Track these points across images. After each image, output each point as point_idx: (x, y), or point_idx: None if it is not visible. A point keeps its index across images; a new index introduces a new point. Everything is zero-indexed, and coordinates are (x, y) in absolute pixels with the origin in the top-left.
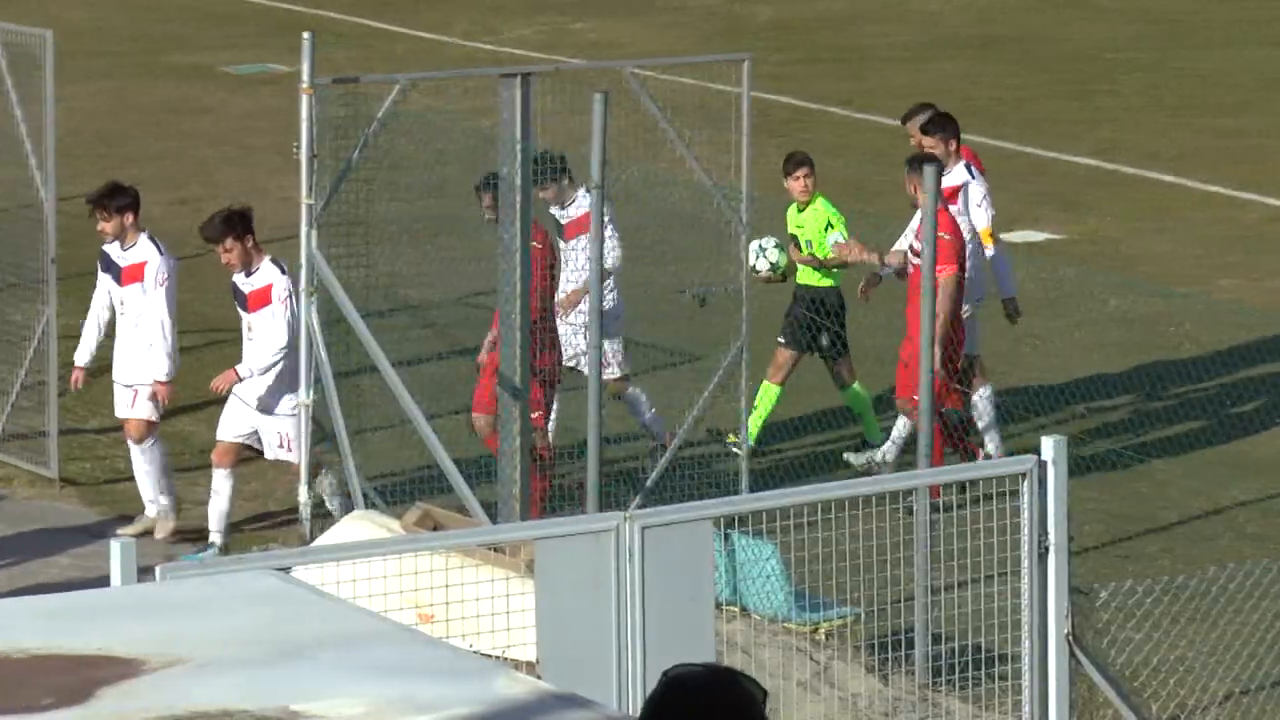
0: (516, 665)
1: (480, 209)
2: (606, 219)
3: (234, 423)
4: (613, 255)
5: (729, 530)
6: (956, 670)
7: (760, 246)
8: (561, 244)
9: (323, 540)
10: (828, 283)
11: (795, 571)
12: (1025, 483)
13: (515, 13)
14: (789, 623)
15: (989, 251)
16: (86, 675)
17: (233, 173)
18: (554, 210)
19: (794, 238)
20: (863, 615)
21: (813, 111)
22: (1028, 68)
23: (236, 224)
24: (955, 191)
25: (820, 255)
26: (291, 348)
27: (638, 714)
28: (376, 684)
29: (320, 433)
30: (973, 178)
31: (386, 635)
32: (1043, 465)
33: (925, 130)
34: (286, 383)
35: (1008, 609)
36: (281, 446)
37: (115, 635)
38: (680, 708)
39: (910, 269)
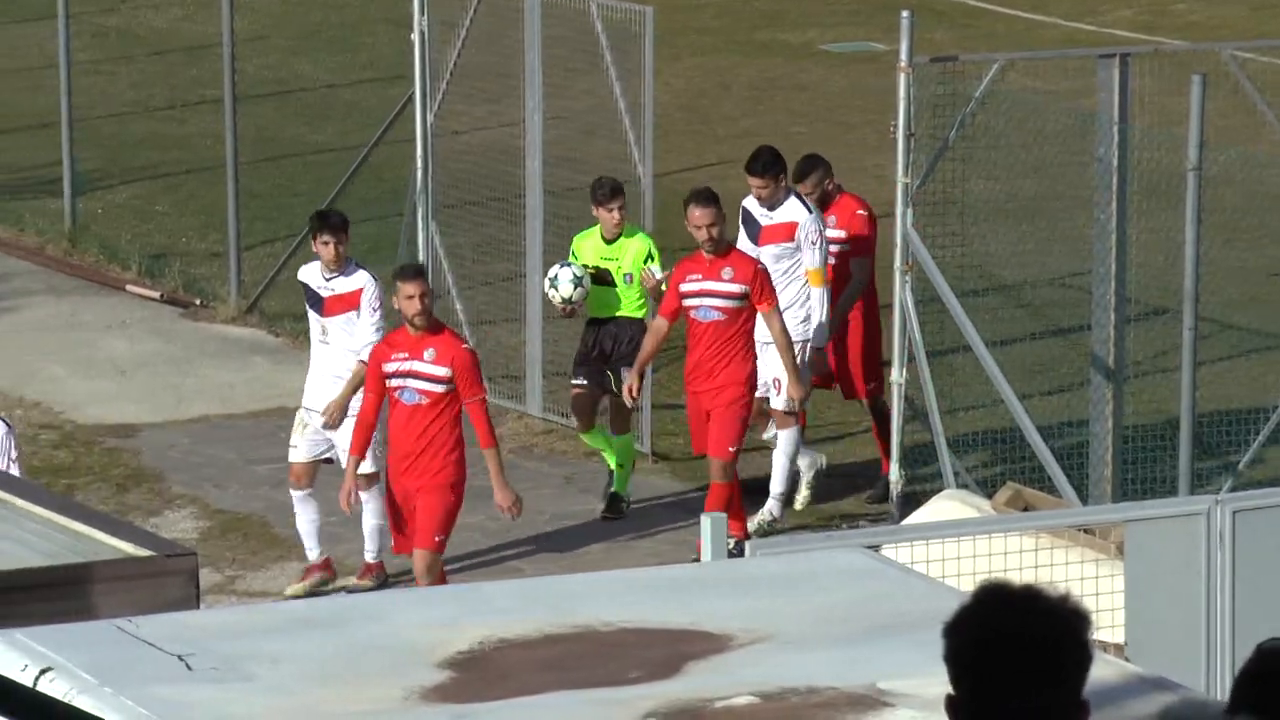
0: (1104, 647)
1: (1077, 189)
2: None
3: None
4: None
5: None
6: None
7: (553, 277)
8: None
9: (913, 519)
10: (638, 314)
11: None
12: None
13: None
14: None
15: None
16: (675, 649)
17: (828, 150)
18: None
19: (599, 270)
20: None
21: None
22: None
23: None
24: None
25: (650, 269)
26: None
27: (1225, 699)
28: None
29: (911, 411)
30: (810, 213)
31: None
32: None
33: (751, 170)
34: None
35: None
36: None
37: (704, 610)
38: (1278, 678)
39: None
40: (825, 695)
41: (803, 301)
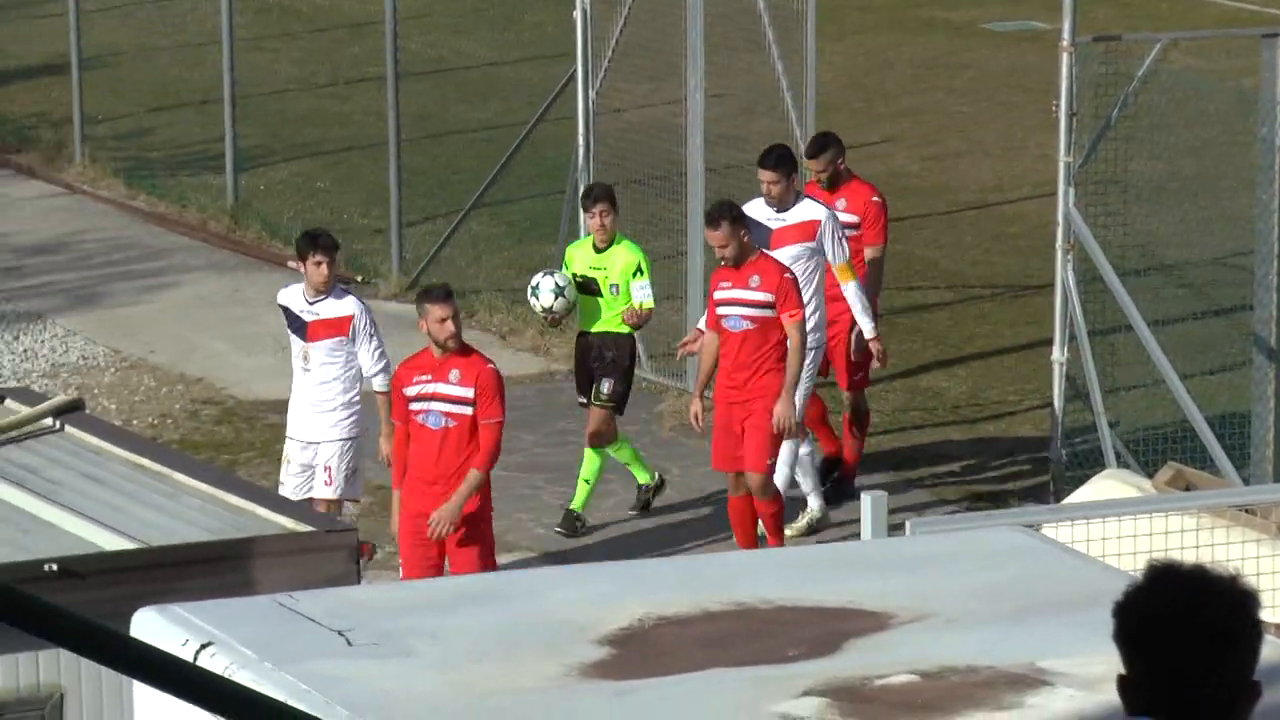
0: (1266, 629)
1: (1240, 169)
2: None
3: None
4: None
5: None
6: None
7: (534, 286)
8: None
9: (1073, 499)
10: (625, 330)
11: None
12: None
13: None
14: None
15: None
16: (834, 627)
17: (990, 129)
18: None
19: (587, 279)
20: None
21: None
22: None
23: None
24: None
25: (631, 307)
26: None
27: None
28: None
29: (1072, 390)
30: (827, 210)
31: None
32: None
33: (763, 164)
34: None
35: None
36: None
37: (863, 588)
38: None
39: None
40: (984, 674)
41: (816, 305)
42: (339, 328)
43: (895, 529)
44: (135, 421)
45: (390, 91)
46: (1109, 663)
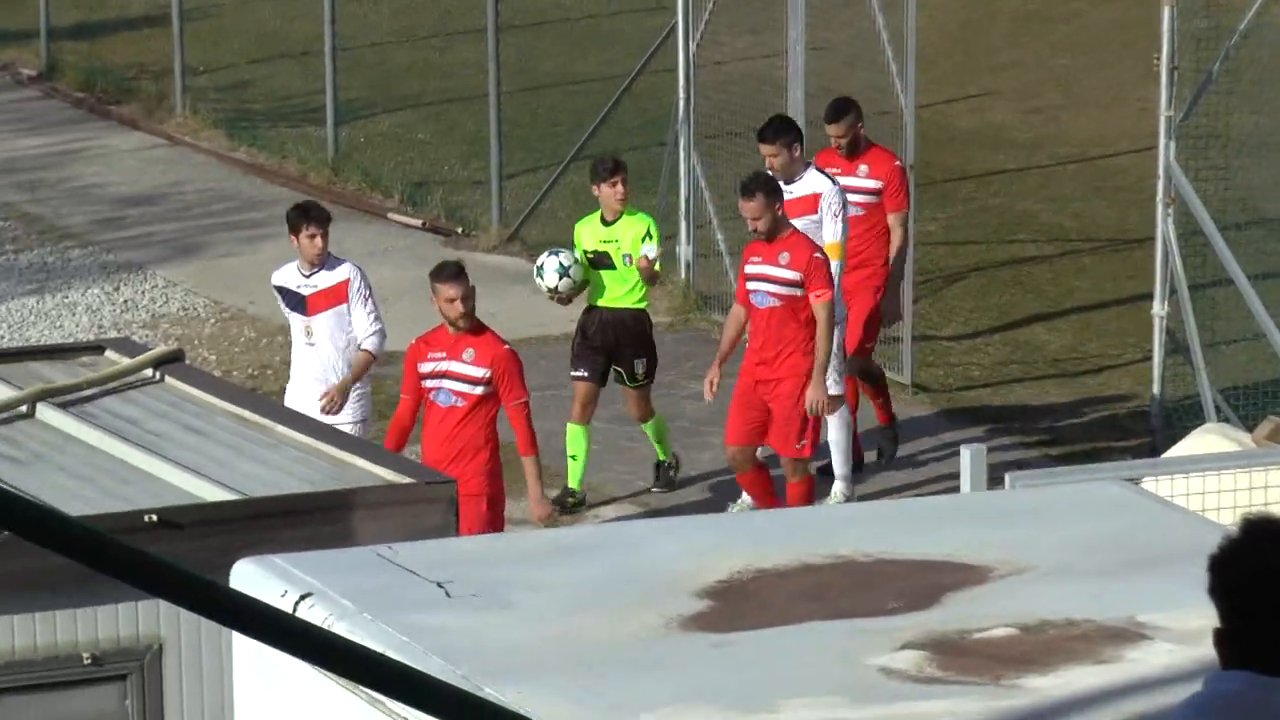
0: None
1: None
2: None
3: None
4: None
5: None
6: None
7: (539, 266)
8: None
9: (1172, 453)
10: (639, 305)
11: None
12: None
13: None
14: None
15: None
16: (933, 580)
17: (1091, 83)
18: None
19: (599, 254)
20: None
21: None
22: None
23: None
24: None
25: (644, 255)
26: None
27: None
28: None
29: (1172, 344)
30: (833, 184)
31: None
32: None
33: (762, 138)
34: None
35: None
36: None
37: (963, 541)
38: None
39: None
40: (1083, 627)
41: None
42: (338, 295)
43: (994, 482)
44: (235, 373)
45: (491, 43)
46: (1208, 617)
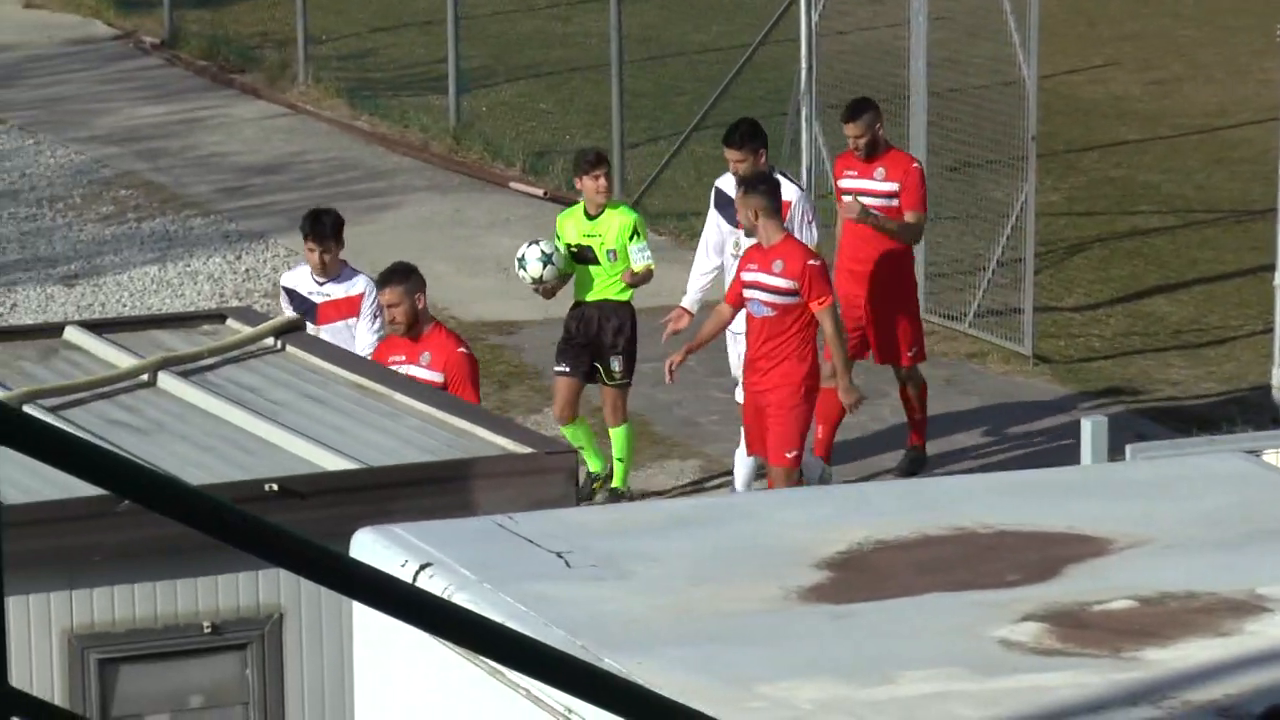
0: None
1: None
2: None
3: None
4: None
5: None
6: None
7: (520, 258)
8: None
9: None
10: (624, 297)
11: None
12: None
13: None
14: None
15: None
16: (1053, 553)
17: (1213, 53)
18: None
19: (582, 248)
20: None
21: None
22: None
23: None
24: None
25: (629, 268)
26: None
27: None
28: None
29: None
30: (801, 190)
31: None
32: None
33: (728, 142)
34: None
35: None
36: None
37: (1083, 513)
38: None
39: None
40: (1204, 600)
41: None
42: (351, 308)
43: (1115, 454)
44: None
45: (613, 13)
46: None
